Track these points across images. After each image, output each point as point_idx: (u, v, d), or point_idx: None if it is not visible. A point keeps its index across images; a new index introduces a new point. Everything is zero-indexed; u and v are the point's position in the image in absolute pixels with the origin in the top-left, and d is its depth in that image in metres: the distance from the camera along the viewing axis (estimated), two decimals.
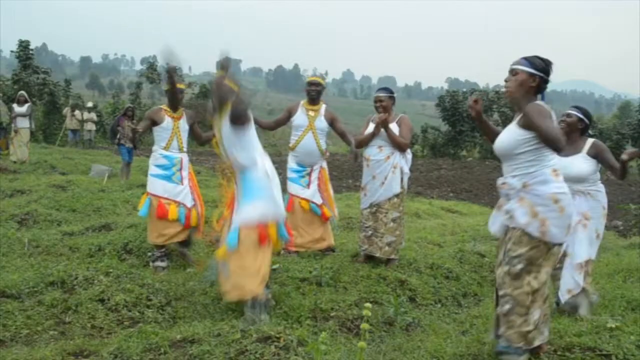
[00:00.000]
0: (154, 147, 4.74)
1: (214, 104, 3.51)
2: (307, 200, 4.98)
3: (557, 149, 2.61)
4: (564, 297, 3.68)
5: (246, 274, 3.33)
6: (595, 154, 3.70)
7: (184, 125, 4.72)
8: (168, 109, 4.70)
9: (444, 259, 4.99)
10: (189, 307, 3.77)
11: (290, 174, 5.06)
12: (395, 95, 4.81)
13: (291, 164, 5.08)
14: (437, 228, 7.13)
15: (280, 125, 5.30)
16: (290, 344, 2.81)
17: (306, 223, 5.00)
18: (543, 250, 2.64)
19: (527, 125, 2.63)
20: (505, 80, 2.78)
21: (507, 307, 2.66)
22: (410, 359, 3.03)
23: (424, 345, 3.18)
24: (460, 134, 24.22)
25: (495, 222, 2.85)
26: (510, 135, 2.73)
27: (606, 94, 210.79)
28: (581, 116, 3.76)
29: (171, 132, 4.65)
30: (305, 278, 4.23)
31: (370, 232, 4.72)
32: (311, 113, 5.02)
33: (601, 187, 3.77)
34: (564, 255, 3.72)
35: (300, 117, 5.02)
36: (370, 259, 4.76)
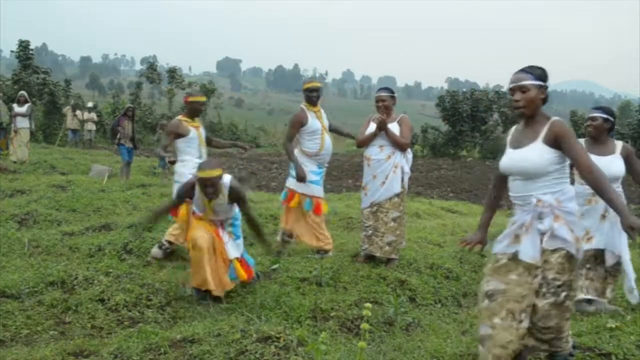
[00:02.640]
0: (186, 157, 4.76)
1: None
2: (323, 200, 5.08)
3: (588, 176, 2.48)
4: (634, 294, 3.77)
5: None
6: (626, 156, 3.81)
7: (203, 133, 4.88)
8: (188, 119, 4.81)
9: (444, 259, 4.99)
10: (189, 307, 3.77)
11: (311, 177, 4.98)
12: (396, 95, 4.82)
13: (311, 167, 5.00)
14: (437, 228, 7.13)
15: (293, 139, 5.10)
16: (290, 344, 2.81)
17: (325, 226, 5.12)
18: (576, 270, 2.55)
19: (557, 144, 2.52)
20: (516, 100, 2.62)
21: (549, 336, 2.53)
22: (410, 359, 3.03)
23: (424, 345, 3.18)
24: (460, 134, 24.20)
25: (533, 247, 2.53)
26: (539, 154, 2.54)
27: (606, 94, 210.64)
28: (606, 116, 3.85)
29: (198, 140, 4.80)
30: (305, 278, 4.23)
31: (370, 231, 4.72)
32: (318, 114, 5.04)
33: (619, 188, 3.85)
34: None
35: (314, 123, 4.99)
36: (370, 258, 4.76)
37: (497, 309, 2.54)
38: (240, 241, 4.08)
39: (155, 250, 4.70)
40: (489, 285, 2.59)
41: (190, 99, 4.89)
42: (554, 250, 2.48)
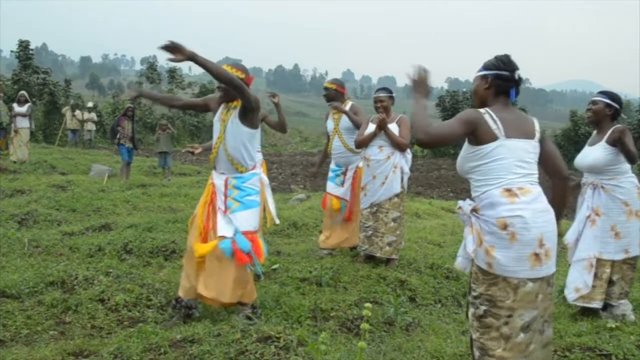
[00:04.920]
0: None
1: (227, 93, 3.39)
2: (339, 198, 5.09)
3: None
4: (571, 295, 3.57)
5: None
6: (613, 140, 3.40)
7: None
8: None
9: (444, 259, 4.99)
10: None
11: (329, 174, 5.26)
12: (394, 95, 4.83)
13: (331, 164, 5.27)
14: (437, 228, 7.13)
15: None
16: (290, 344, 2.81)
17: (338, 222, 5.12)
18: (505, 288, 2.12)
19: (474, 138, 2.23)
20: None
21: (477, 353, 2.21)
22: (410, 359, 3.03)
23: (424, 345, 3.18)
24: None
25: (458, 255, 2.36)
26: (461, 153, 2.32)
27: None
28: (608, 101, 3.53)
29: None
30: (305, 278, 4.23)
31: (370, 231, 4.72)
32: (335, 116, 5.12)
33: (625, 182, 3.46)
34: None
35: (329, 123, 5.21)
36: (370, 259, 4.76)
37: None
38: (244, 213, 3.28)
39: None
40: None
41: None
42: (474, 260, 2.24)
